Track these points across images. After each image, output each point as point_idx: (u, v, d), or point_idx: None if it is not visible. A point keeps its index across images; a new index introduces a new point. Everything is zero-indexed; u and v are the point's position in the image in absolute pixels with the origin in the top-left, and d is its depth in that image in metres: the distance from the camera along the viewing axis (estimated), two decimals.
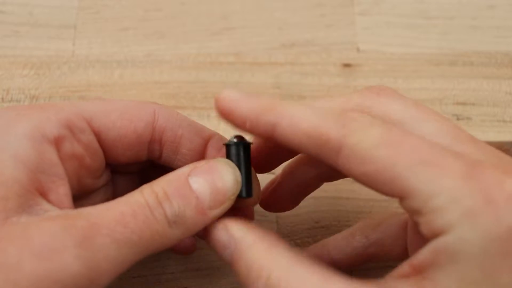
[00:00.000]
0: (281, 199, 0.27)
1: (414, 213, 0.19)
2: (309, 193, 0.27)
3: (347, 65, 0.36)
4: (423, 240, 0.20)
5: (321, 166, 0.25)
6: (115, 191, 0.26)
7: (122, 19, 0.38)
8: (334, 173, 0.25)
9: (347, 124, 0.20)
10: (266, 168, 0.26)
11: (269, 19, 0.38)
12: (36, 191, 0.20)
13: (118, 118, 0.22)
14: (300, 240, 0.30)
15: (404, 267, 0.20)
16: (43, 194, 0.20)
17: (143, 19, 0.38)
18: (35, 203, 0.20)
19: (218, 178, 0.22)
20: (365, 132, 0.20)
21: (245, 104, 0.21)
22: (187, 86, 0.35)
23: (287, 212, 0.28)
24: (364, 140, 0.20)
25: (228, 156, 0.23)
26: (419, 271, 0.19)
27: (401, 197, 0.19)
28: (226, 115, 0.22)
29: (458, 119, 0.34)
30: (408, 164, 0.19)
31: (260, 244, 0.21)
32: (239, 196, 0.23)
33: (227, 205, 0.22)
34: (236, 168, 0.23)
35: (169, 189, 0.21)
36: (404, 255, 0.25)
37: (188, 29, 0.37)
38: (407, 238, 0.25)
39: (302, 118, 0.20)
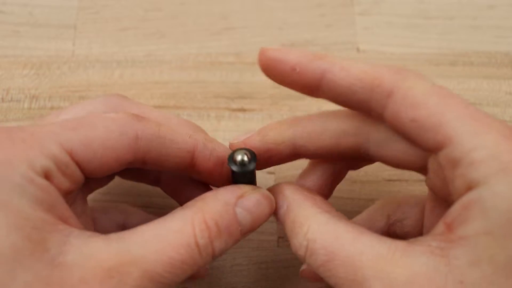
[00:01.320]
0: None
1: (451, 164, 0.20)
2: (338, 183, 0.28)
3: None
4: (441, 217, 0.20)
5: (348, 151, 0.26)
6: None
7: (122, 19, 0.38)
8: (358, 160, 0.26)
9: (400, 72, 0.21)
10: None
11: (269, 19, 0.38)
12: (57, 223, 0.20)
13: (99, 148, 0.22)
14: None
15: (439, 226, 0.20)
16: (65, 222, 0.20)
17: (143, 19, 0.38)
18: (69, 230, 0.20)
19: (260, 211, 0.23)
20: (419, 80, 0.21)
21: (294, 52, 0.23)
22: (187, 86, 0.35)
23: None
24: (418, 86, 0.21)
25: (234, 177, 0.24)
26: (452, 228, 0.20)
27: (443, 146, 0.20)
28: (275, 63, 0.23)
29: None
30: (457, 114, 0.20)
31: (307, 202, 0.23)
32: None
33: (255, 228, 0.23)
34: (273, 198, 0.24)
35: (222, 224, 0.22)
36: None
37: (188, 29, 0.37)
38: (423, 219, 0.25)
39: (354, 64, 0.22)
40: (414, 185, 0.32)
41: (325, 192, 0.27)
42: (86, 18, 0.38)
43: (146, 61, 0.36)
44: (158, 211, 0.31)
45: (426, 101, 0.20)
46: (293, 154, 0.25)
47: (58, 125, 0.22)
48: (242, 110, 0.34)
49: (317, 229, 0.22)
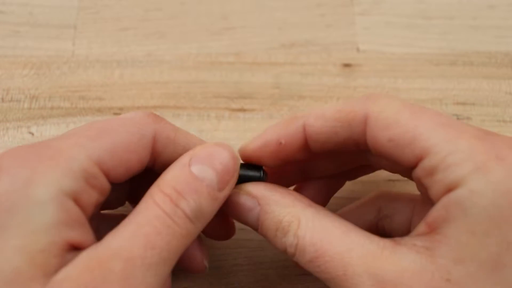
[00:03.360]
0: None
1: (430, 173, 0.20)
2: (335, 193, 0.28)
3: (347, 65, 0.36)
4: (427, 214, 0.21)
5: (343, 162, 0.26)
6: None
7: (122, 19, 0.38)
8: (355, 169, 0.27)
9: (370, 97, 0.22)
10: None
11: (269, 19, 0.38)
12: (68, 246, 0.20)
13: (124, 153, 0.22)
14: None
15: (421, 226, 0.21)
16: (75, 246, 0.20)
17: (143, 19, 0.38)
18: (69, 257, 0.20)
19: (217, 160, 0.22)
20: (388, 102, 0.22)
21: (269, 130, 0.23)
22: (187, 86, 0.35)
23: None
24: (388, 108, 0.21)
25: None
26: (433, 228, 0.20)
27: (420, 158, 0.21)
28: (258, 151, 0.23)
29: (458, 119, 0.34)
30: (428, 126, 0.21)
31: (287, 198, 0.23)
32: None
33: (232, 182, 0.23)
34: (229, 146, 0.23)
35: (179, 186, 0.21)
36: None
37: (188, 29, 0.37)
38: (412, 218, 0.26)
39: (327, 109, 0.23)
40: (414, 185, 0.32)
41: (321, 201, 0.27)
42: (86, 18, 0.38)
43: (146, 61, 0.36)
44: None
45: (398, 119, 0.21)
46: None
47: (83, 136, 0.22)
48: (242, 110, 0.34)
49: (306, 225, 0.22)
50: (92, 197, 0.21)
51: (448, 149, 0.20)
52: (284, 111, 0.34)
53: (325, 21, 0.38)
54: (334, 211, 0.31)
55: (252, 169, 0.24)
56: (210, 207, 0.22)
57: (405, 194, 0.27)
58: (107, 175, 0.21)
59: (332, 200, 0.29)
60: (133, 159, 0.22)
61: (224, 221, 0.27)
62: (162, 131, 0.23)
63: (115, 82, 0.35)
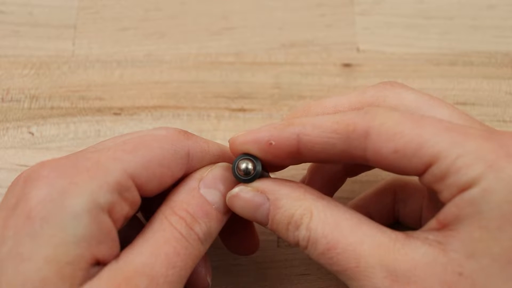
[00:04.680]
0: None
1: (441, 178, 0.20)
2: (336, 190, 0.28)
3: (347, 65, 0.36)
4: (435, 211, 0.21)
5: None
6: None
7: (122, 19, 0.38)
8: (356, 166, 0.27)
9: (369, 111, 0.22)
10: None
11: (269, 19, 0.38)
12: (95, 261, 0.20)
13: (157, 168, 0.22)
14: None
15: (432, 222, 0.21)
16: (100, 261, 0.21)
17: (143, 19, 0.38)
18: (93, 271, 0.20)
19: (226, 184, 0.24)
20: (388, 113, 0.21)
21: (264, 128, 0.23)
22: (187, 86, 0.35)
23: None
24: (389, 119, 0.21)
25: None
26: (445, 225, 0.20)
27: (429, 164, 0.20)
28: (247, 144, 0.23)
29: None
30: (433, 132, 0.20)
31: (297, 192, 0.23)
32: None
33: (235, 202, 0.24)
34: (230, 167, 0.24)
35: (192, 210, 0.23)
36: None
37: (188, 29, 0.37)
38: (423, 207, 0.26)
39: (324, 119, 0.22)
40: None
41: None
42: (86, 18, 0.38)
43: (146, 61, 0.36)
44: None
45: (401, 130, 0.21)
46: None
47: (119, 149, 0.22)
48: (242, 110, 0.34)
49: (318, 217, 0.22)
50: (124, 210, 0.21)
51: (456, 152, 0.20)
52: (284, 111, 0.34)
53: (325, 21, 0.38)
54: None
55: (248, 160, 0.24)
56: (217, 229, 0.23)
57: (417, 181, 0.27)
58: (139, 188, 0.22)
59: None
60: (166, 174, 0.23)
61: (249, 235, 0.27)
62: (195, 146, 0.24)
63: (115, 82, 0.35)
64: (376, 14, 0.38)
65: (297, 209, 0.22)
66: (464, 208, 0.20)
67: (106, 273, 0.20)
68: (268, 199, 0.23)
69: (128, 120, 0.34)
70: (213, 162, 0.25)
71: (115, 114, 0.34)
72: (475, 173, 0.20)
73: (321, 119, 0.22)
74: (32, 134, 0.34)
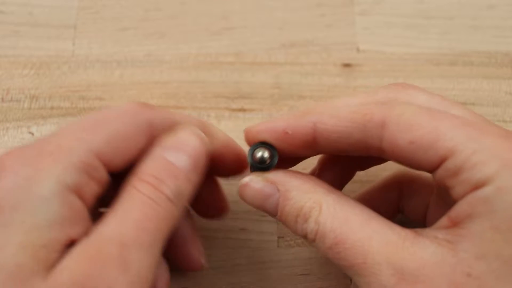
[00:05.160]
0: None
1: (454, 173, 0.20)
2: (346, 183, 0.28)
3: (347, 65, 0.36)
4: (444, 209, 0.21)
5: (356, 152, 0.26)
6: None
7: (122, 19, 0.38)
8: (368, 159, 0.26)
9: (386, 102, 0.22)
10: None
11: (269, 19, 0.38)
12: (69, 241, 0.20)
13: (121, 142, 0.22)
14: (300, 240, 0.30)
15: (443, 220, 0.21)
16: (75, 240, 0.21)
17: (143, 19, 0.38)
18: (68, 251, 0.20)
19: (188, 145, 0.23)
20: (406, 105, 0.22)
21: (280, 117, 0.23)
22: (187, 86, 0.35)
23: None
24: (407, 111, 0.21)
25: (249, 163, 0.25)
26: (456, 223, 0.20)
27: (444, 158, 0.20)
28: (264, 133, 0.24)
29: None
30: (450, 126, 0.20)
31: (307, 184, 0.23)
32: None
33: (203, 163, 0.23)
34: (197, 130, 0.24)
35: (158, 173, 0.22)
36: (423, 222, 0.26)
37: (188, 29, 0.37)
38: (429, 204, 0.26)
39: (342, 108, 0.22)
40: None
41: None
42: (86, 18, 0.38)
43: (146, 61, 0.36)
44: None
45: (418, 121, 0.21)
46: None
47: (80, 129, 0.22)
48: (242, 110, 0.34)
49: (327, 211, 0.22)
50: (93, 190, 0.21)
51: (472, 148, 0.20)
52: (284, 111, 0.34)
53: (325, 21, 0.38)
54: None
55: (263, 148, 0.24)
56: (188, 189, 0.23)
57: (424, 176, 0.27)
58: (106, 165, 0.22)
59: None
60: (130, 147, 0.23)
61: (217, 198, 0.27)
62: (156, 116, 0.24)
63: (115, 82, 0.35)
64: (376, 14, 0.38)
65: (307, 201, 0.22)
66: (477, 206, 0.19)
67: (77, 249, 0.20)
68: (278, 190, 0.23)
69: None
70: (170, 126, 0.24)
71: None
72: (490, 171, 0.19)
73: (338, 109, 0.22)
74: (32, 134, 0.34)
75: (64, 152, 0.21)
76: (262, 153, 0.24)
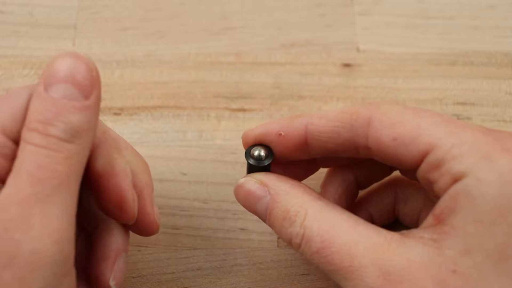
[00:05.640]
0: None
1: (436, 166, 0.21)
2: (352, 203, 0.28)
3: (347, 65, 0.36)
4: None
5: (355, 169, 0.27)
6: None
7: (122, 19, 0.38)
8: (366, 177, 0.27)
9: (373, 103, 0.23)
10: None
11: (269, 19, 0.38)
12: None
13: (23, 118, 0.21)
14: None
15: (429, 219, 0.21)
16: None
17: (143, 19, 0.38)
18: None
19: (72, 72, 0.20)
20: (390, 106, 0.23)
21: (273, 121, 0.25)
22: (187, 86, 0.35)
23: None
24: (392, 110, 0.22)
25: (249, 170, 0.26)
26: (441, 220, 0.21)
27: (426, 153, 0.21)
28: (259, 136, 0.25)
29: (458, 119, 0.34)
30: (432, 121, 0.21)
31: (296, 190, 0.23)
32: None
33: (98, 85, 0.21)
34: (76, 53, 0.21)
35: (42, 117, 0.20)
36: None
37: (188, 29, 0.37)
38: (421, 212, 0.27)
39: (330, 111, 0.24)
40: None
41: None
42: (86, 18, 0.38)
43: (146, 61, 0.36)
44: None
45: (402, 119, 0.22)
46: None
47: None
48: (242, 110, 0.34)
49: (313, 216, 0.22)
50: (3, 165, 0.20)
51: (452, 141, 0.20)
52: (284, 111, 0.34)
53: (325, 21, 0.38)
54: None
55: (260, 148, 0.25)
56: (83, 119, 0.20)
57: (418, 182, 0.27)
58: (15, 139, 0.21)
59: None
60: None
61: (144, 217, 0.25)
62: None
63: (115, 82, 0.35)
64: (376, 14, 0.38)
65: (293, 205, 0.23)
66: (458, 199, 0.20)
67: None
68: (269, 193, 0.23)
69: (128, 120, 0.34)
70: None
71: (115, 114, 0.34)
72: (469, 162, 0.20)
73: (327, 111, 0.24)
74: None
75: None
76: (259, 152, 0.25)
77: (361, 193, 0.29)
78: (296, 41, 0.37)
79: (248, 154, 0.25)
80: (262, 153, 0.25)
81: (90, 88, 0.21)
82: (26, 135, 0.20)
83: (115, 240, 0.25)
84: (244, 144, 0.26)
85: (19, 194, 0.19)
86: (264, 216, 0.24)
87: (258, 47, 0.37)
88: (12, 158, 0.21)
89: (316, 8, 0.38)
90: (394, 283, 0.20)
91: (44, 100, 0.20)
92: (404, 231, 0.22)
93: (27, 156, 0.20)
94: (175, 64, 0.36)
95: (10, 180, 0.20)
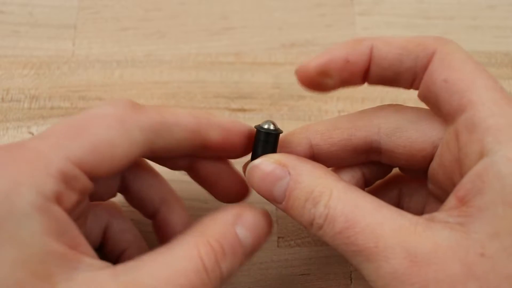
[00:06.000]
0: None
1: (468, 129, 0.20)
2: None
3: None
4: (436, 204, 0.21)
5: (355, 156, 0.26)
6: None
7: (122, 19, 0.38)
8: (373, 173, 0.27)
9: (441, 38, 0.22)
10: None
11: (269, 19, 0.38)
12: (71, 250, 0.19)
13: (106, 150, 0.21)
14: (300, 240, 0.30)
15: (451, 201, 0.21)
16: (74, 248, 0.20)
17: (143, 19, 0.38)
18: (78, 261, 0.19)
19: (260, 229, 0.23)
20: (458, 48, 0.22)
21: (337, 46, 0.23)
22: (187, 86, 0.35)
23: None
24: (457, 53, 0.22)
25: (256, 139, 0.24)
26: (464, 202, 0.20)
27: (465, 109, 0.21)
28: (325, 65, 0.23)
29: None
30: (485, 84, 0.21)
31: (319, 170, 0.23)
32: None
33: (257, 249, 0.23)
34: (270, 216, 0.24)
35: (225, 244, 0.21)
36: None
37: (188, 29, 0.37)
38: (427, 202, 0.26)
39: (395, 37, 0.23)
40: None
41: None
42: (86, 18, 0.38)
43: (146, 61, 0.36)
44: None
45: (461, 66, 0.21)
46: (311, 156, 0.25)
47: (60, 135, 0.21)
48: (242, 110, 0.34)
49: (338, 197, 0.21)
50: (71, 199, 0.20)
51: (492, 111, 0.20)
52: (284, 111, 0.34)
53: (325, 21, 0.38)
54: None
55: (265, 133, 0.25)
56: (234, 273, 0.22)
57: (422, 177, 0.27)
58: (89, 173, 0.21)
59: None
60: (117, 155, 0.21)
61: (234, 181, 0.27)
62: (146, 120, 0.22)
63: (115, 82, 0.35)
64: (376, 14, 0.38)
65: (317, 186, 0.22)
66: (486, 177, 0.19)
67: (109, 283, 0.19)
68: (289, 173, 0.23)
69: None
70: (169, 132, 0.23)
71: None
72: (502, 138, 0.19)
73: (391, 37, 0.23)
74: (32, 134, 0.34)
75: (42, 160, 0.20)
76: (269, 125, 0.24)
77: (366, 190, 0.29)
78: (296, 41, 0.37)
79: (258, 129, 0.24)
80: (272, 126, 0.24)
81: (254, 251, 0.23)
82: (202, 247, 0.21)
83: (179, 217, 0.26)
84: (303, 79, 0.24)
85: None
86: (281, 198, 0.23)
87: (258, 47, 0.37)
88: (82, 191, 0.21)
89: (316, 8, 0.38)
90: (421, 265, 0.19)
91: (232, 234, 0.22)
92: (427, 215, 0.21)
93: (188, 270, 0.20)
94: (175, 64, 0.36)
95: (157, 269, 0.20)
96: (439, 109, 0.22)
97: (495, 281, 0.19)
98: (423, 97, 0.23)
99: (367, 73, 0.23)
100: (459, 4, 0.38)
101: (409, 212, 0.27)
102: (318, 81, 0.24)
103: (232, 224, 0.22)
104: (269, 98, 0.35)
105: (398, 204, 0.28)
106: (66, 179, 0.20)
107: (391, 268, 0.20)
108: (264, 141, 0.24)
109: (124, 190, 0.26)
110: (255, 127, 0.25)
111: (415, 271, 0.19)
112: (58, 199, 0.20)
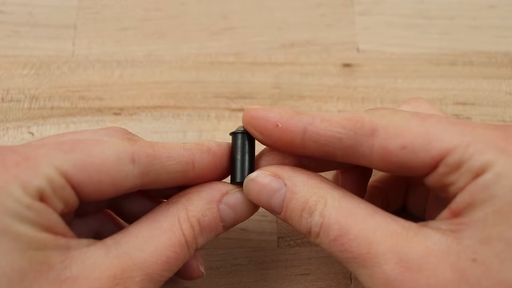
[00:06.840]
0: None
1: (455, 167, 0.21)
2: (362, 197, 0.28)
3: (347, 65, 0.36)
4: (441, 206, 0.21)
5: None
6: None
7: (122, 19, 0.38)
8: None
9: (376, 110, 0.22)
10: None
11: (269, 19, 0.38)
12: (61, 237, 0.21)
13: (95, 173, 0.21)
14: (300, 240, 0.30)
15: (444, 213, 0.21)
16: (63, 236, 0.21)
17: (143, 19, 0.38)
18: (68, 243, 0.21)
19: (244, 209, 0.24)
20: (395, 111, 0.22)
21: (276, 109, 0.23)
22: (187, 86, 0.35)
23: None
24: (396, 118, 0.22)
25: (233, 144, 0.25)
26: (457, 214, 0.20)
27: (440, 158, 0.21)
28: (258, 119, 0.23)
29: (458, 119, 0.34)
30: (440, 127, 0.21)
31: (313, 180, 0.23)
32: (233, 181, 0.25)
33: (252, 187, 0.24)
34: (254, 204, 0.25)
35: (204, 223, 0.23)
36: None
37: (188, 29, 0.37)
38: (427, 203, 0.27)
39: (334, 114, 0.23)
40: None
41: None
42: (86, 18, 0.38)
43: (146, 61, 0.36)
44: None
45: (408, 127, 0.21)
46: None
47: (53, 146, 0.21)
48: (242, 110, 0.34)
49: (332, 205, 0.22)
50: (57, 206, 0.21)
51: (467, 141, 0.20)
52: None
53: (325, 21, 0.38)
54: None
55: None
56: (211, 241, 0.24)
57: None
58: (76, 190, 0.21)
59: None
60: (106, 180, 0.21)
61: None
62: (140, 152, 0.22)
63: (115, 82, 0.35)
64: (376, 14, 0.38)
65: (312, 195, 0.22)
66: (478, 194, 0.20)
67: (100, 259, 0.21)
68: (285, 184, 0.23)
69: (128, 120, 0.34)
70: (162, 165, 0.23)
71: (115, 114, 0.34)
72: (487, 158, 0.20)
73: (330, 114, 0.23)
74: (32, 134, 0.34)
75: (31, 164, 0.20)
76: (240, 128, 0.25)
77: (378, 176, 0.29)
78: (296, 41, 0.37)
79: (233, 133, 0.25)
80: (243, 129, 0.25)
81: (233, 225, 0.25)
82: (184, 224, 0.23)
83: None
84: (243, 121, 0.24)
85: (151, 268, 0.22)
86: (279, 209, 0.23)
87: (258, 47, 0.37)
88: (68, 203, 0.21)
89: (316, 8, 0.38)
90: (413, 270, 0.20)
91: (214, 211, 0.24)
92: (421, 222, 0.21)
93: (174, 242, 0.22)
94: (175, 64, 0.36)
95: (145, 243, 0.22)
96: (410, 171, 0.22)
97: (488, 286, 0.19)
98: (383, 169, 0.23)
99: (302, 146, 0.23)
100: (459, 4, 0.38)
101: (413, 203, 0.27)
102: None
103: (217, 202, 0.24)
104: (269, 98, 0.35)
105: (407, 192, 0.28)
106: (53, 185, 0.20)
107: (383, 273, 0.20)
108: (240, 143, 0.25)
109: (113, 208, 0.27)
110: (230, 133, 0.25)
111: (407, 277, 0.20)
112: (42, 198, 0.20)
